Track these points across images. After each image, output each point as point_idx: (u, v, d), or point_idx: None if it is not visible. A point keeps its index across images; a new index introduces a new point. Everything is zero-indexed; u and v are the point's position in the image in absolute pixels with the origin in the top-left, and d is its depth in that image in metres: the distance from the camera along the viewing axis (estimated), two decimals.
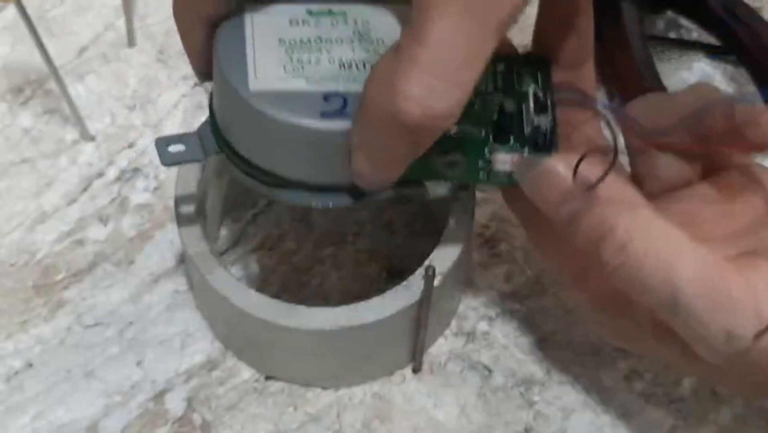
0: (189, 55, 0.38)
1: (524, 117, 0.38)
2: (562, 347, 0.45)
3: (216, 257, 0.42)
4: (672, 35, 0.53)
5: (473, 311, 0.46)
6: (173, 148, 0.38)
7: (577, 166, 0.34)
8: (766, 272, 0.33)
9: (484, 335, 0.45)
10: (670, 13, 0.53)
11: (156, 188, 0.48)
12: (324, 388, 0.44)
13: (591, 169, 0.33)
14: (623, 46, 0.50)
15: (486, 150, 0.38)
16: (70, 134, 0.50)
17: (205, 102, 0.50)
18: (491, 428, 0.43)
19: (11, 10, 0.51)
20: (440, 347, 0.45)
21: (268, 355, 0.43)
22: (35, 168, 0.49)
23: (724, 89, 0.51)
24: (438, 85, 0.30)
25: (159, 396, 0.44)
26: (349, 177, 0.36)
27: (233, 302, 0.40)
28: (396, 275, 0.44)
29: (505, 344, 0.45)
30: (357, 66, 0.36)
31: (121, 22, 0.52)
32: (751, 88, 0.51)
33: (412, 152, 0.33)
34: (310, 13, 0.38)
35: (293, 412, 0.44)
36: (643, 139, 0.37)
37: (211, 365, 0.44)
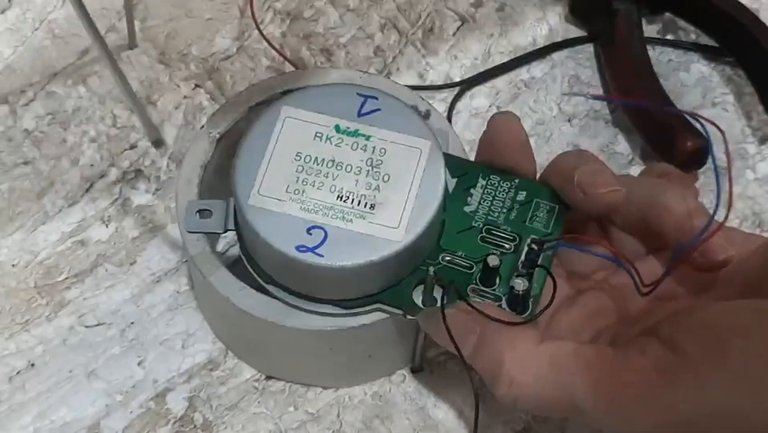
0: None
1: (519, 263, 0.40)
2: None
3: (217, 258, 0.42)
4: (670, 37, 0.53)
5: None
6: (199, 217, 0.41)
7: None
8: (653, 351, 0.35)
9: None
10: (668, 15, 0.53)
11: (157, 189, 0.49)
12: (324, 387, 0.44)
13: (486, 306, 0.38)
14: (622, 48, 0.50)
15: (468, 289, 0.39)
16: (72, 135, 0.50)
17: (206, 103, 0.50)
18: (490, 427, 0.43)
19: (13, 12, 0.51)
20: (440, 347, 0.45)
21: (269, 355, 0.44)
22: (37, 169, 0.49)
23: (722, 91, 0.52)
24: None
25: (160, 396, 0.44)
26: (326, 294, 0.40)
27: (234, 303, 0.40)
28: None
29: None
30: (353, 201, 0.39)
31: (123, 24, 0.52)
32: (749, 90, 0.51)
33: None
34: (338, 129, 0.40)
35: (294, 411, 0.44)
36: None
37: (212, 364, 0.45)
